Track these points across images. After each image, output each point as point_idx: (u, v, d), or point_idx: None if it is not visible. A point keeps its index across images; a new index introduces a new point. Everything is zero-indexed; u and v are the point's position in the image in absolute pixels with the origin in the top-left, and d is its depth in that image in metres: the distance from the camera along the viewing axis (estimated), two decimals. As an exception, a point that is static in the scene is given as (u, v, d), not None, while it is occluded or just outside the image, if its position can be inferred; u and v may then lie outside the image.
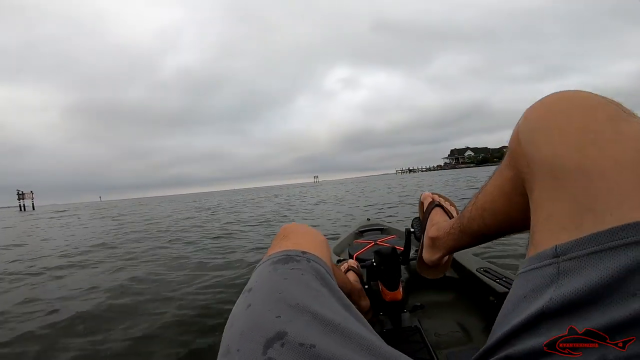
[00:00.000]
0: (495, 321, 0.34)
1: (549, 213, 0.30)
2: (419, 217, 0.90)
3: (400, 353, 0.32)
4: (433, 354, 0.64)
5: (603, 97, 0.31)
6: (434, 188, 6.60)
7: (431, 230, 0.75)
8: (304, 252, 0.47)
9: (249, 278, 0.47)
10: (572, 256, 0.26)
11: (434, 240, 0.73)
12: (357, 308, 0.79)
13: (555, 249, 0.27)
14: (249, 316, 0.36)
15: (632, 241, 0.24)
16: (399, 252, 0.84)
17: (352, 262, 0.98)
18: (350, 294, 0.72)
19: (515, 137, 0.36)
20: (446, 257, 0.75)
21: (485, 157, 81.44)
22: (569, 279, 0.26)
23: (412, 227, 0.90)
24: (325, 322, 0.34)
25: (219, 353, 0.34)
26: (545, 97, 0.35)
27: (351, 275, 0.92)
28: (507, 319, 0.31)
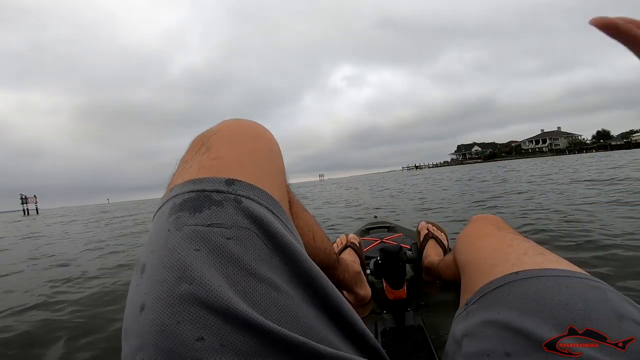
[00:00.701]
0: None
1: (464, 282, 0.47)
2: (416, 244, 1.05)
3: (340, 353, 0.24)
4: (435, 353, 0.64)
5: None
6: (449, 191, 6.46)
7: (426, 261, 0.93)
8: (230, 182, 0.28)
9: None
10: (472, 303, 0.39)
11: (427, 270, 0.92)
12: (353, 298, 0.82)
13: (467, 302, 0.40)
14: (146, 329, 0.22)
15: (487, 290, 0.37)
16: (404, 250, 0.85)
17: (352, 237, 0.91)
18: (344, 280, 0.69)
19: (454, 248, 0.61)
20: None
21: (493, 152, 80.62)
22: (472, 315, 0.37)
23: (411, 251, 1.05)
24: (267, 333, 0.22)
25: None
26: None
27: (348, 255, 0.86)
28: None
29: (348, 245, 0.90)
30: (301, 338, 0.22)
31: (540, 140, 73.28)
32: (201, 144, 0.33)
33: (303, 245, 0.31)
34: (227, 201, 0.27)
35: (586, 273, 0.33)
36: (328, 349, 0.23)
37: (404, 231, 1.53)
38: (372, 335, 0.29)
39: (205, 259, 0.23)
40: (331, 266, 0.58)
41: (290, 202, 0.39)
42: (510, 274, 0.35)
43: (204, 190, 0.27)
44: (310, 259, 0.28)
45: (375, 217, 1.94)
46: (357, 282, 0.77)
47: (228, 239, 0.25)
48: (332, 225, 3.52)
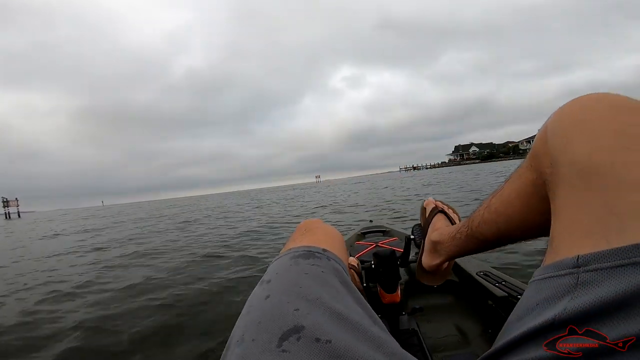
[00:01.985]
0: (503, 326, 0.34)
1: (573, 218, 0.29)
2: (419, 224, 0.89)
3: (412, 356, 0.33)
4: (429, 357, 0.64)
5: None
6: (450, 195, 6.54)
7: (433, 234, 0.74)
8: (324, 250, 0.48)
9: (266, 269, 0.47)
10: (593, 268, 0.25)
11: (435, 244, 0.72)
12: None
13: (577, 259, 0.26)
14: (267, 307, 0.36)
15: None
16: (398, 254, 0.85)
17: (353, 260, 0.99)
18: None
19: (542, 136, 0.35)
20: (446, 264, 0.74)
21: (491, 152, 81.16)
22: (586, 290, 0.25)
23: (413, 234, 0.89)
24: (342, 318, 0.34)
25: (230, 340, 0.35)
26: (579, 97, 0.34)
27: (351, 274, 0.91)
28: (516, 325, 0.30)
29: (350, 267, 0.96)
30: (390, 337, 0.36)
31: (538, 140, 73.78)
32: (305, 229, 0.57)
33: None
34: (323, 257, 0.46)
35: None
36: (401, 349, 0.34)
37: (398, 235, 1.56)
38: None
39: (311, 279, 0.40)
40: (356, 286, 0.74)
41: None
42: None
43: (311, 250, 0.47)
44: (355, 287, 0.44)
45: (371, 221, 1.99)
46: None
47: (322, 272, 0.42)
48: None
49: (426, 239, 0.78)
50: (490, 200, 0.50)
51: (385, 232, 1.70)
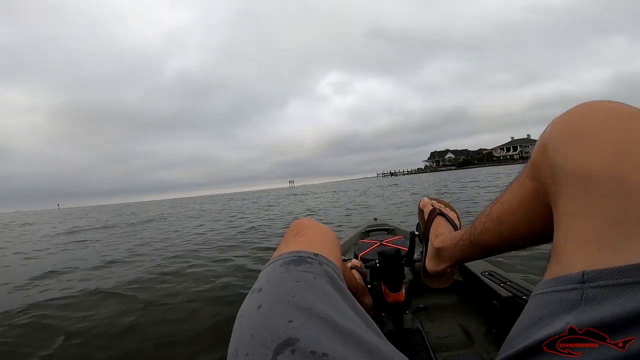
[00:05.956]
0: (506, 338, 0.35)
1: (576, 230, 0.29)
2: (419, 224, 0.94)
3: (404, 356, 0.34)
4: (433, 356, 0.65)
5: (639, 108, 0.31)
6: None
7: (436, 241, 0.76)
8: (316, 254, 0.48)
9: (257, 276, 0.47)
10: (599, 284, 0.26)
11: (439, 251, 0.74)
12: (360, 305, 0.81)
13: (583, 275, 0.27)
14: (260, 318, 0.36)
15: None
16: (403, 253, 0.86)
17: (356, 262, 1.01)
18: (355, 291, 0.75)
19: (541, 146, 0.36)
20: (450, 268, 0.77)
21: (466, 159, 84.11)
22: (591, 307, 0.25)
23: (417, 231, 0.95)
24: (337, 329, 0.34)
25: (228, 353, 0.35)
26: (576, 106, 0.34)
27: (355, 274, 0.92)
28: (518, 339, 0.31)
29: (352, 268, 0.97)
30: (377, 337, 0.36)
31: (511, 148, 77.47)
32: (297, 231, 0.55)
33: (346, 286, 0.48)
34: (315, 263, 0.46)
35: None
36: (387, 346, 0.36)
37: (403, 233, 1.58)
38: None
39: (304, 287, 0.40)
40: (357, 291, 0.79)
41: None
42: None
43: (302, 256, 0.47)
44: (352, 295, 0.45)
45: (375, 219, 2.00)
46: (363, 294, 0.83)
47: (314, 278, 0.42)
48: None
49: (429, 245, 0.80)
50: (491, 208, 0.51)
51: (389, 231, 1.72)
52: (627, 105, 0.32)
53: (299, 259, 0.46)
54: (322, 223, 0.63)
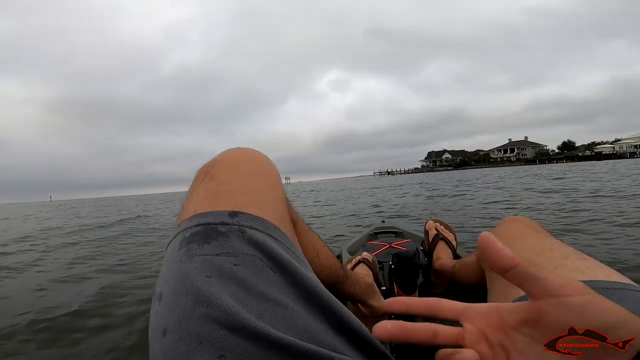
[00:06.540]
0: None
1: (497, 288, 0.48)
2: (424, 242, 1.11)
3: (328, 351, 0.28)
4: None
5: None
6: None
7: (437, 264, 0.97)
8: (234, 214, 0.32)
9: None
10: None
11: (437, 272, 0.97)
12: (367, 310, 0.83)
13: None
14: (168, 350, 0.26)
15: None
16: (418, 256, 0.92)
17: (367, 255, 0.96)
18: (355, 294, 0.70)
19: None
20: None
21: (463, 160, 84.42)
22: None
23: (422, 246, 1.13)
24: (272, 342, 0.26)
25: None
26: (508, 218, 0.66)
27: (361, 269, 0.91)
28: None
29: (361, 260, 0.94)
30: (311, 346, 0.26)
31: (509, 150, 77.76)
32: (205, 173, 0.36)
33: (308, 264, 0.35)
34: (232, 232, 0.31)
35: (634, 284, 0.35)
36: (333, 353, 0.27)
37: (411, 237, 1.57)
38: (378, 341, 0.32)
39: (217, 284, 0.27)
40: (339, 281, 0.61)
41: (294, 223, 0.43)
42: None
43: (210, 224, 0.31)
44: (315, 277, 0.32)
45: (383, 221, 1.98)
46: (370, 295, 0.78)
47: (235, 265, 0.29)
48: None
49: (432, 264, 1.01)
50: (462, 261, 0.84)
51: (397, 234, 1.70)
52: (531, 225, 0.60)
53: (205, 232, 0.30)
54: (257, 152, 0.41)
